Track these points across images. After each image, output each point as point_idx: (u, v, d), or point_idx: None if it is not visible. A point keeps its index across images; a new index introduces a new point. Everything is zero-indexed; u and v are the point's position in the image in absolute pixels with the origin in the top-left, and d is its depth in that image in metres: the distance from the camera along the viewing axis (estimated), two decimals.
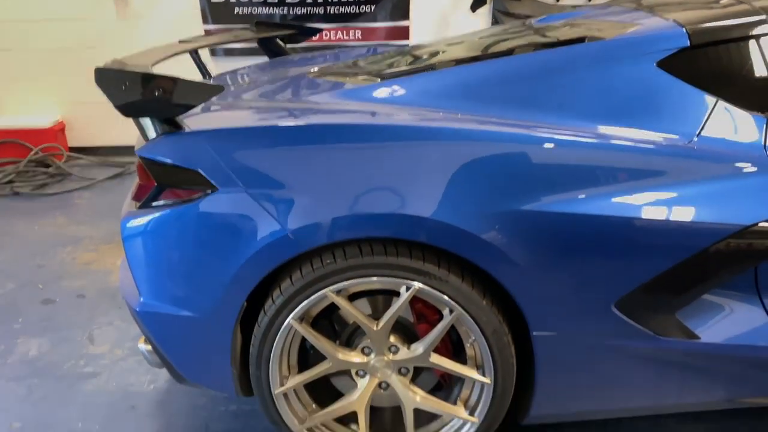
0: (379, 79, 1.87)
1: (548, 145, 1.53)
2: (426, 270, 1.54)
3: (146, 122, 1.60)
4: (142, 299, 1.66)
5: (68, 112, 5.10)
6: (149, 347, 1.78)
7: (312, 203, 1.50)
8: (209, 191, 1.54)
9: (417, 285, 1.55)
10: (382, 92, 1.77)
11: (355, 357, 1.68)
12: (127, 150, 5.12)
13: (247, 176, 1.53)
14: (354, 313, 1.60)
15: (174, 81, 1.48)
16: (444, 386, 1.82)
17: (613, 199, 1.50)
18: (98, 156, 5.02)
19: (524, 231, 1.49)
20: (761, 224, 1.51)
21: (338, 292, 1.58)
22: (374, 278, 1.56)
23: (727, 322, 1.61)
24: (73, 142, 5.13)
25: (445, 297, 1.55)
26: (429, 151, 1.51)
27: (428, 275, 1.54)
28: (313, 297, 1.57)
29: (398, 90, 1.76)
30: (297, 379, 1.69)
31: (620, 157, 1.53)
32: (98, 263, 3.28)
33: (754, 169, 1.54)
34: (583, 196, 1.50)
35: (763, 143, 1.58)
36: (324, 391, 1.82)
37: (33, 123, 4.88)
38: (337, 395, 1.78)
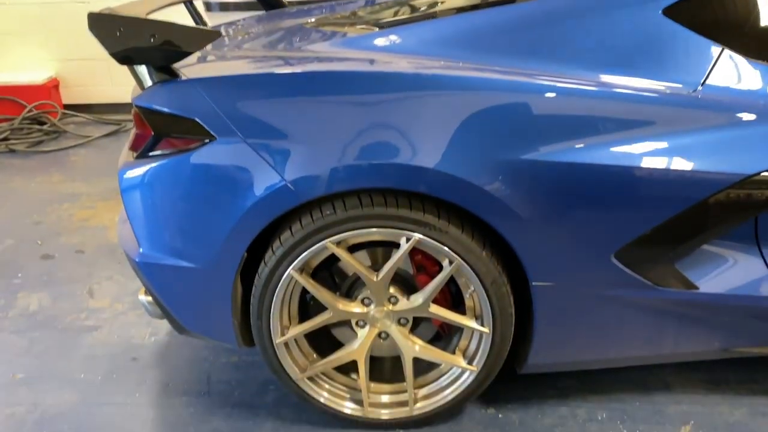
0: (378, 29, 1.83)
1: (550, 94, 1.50)
2: (426, 221, 1.53)
3: (142, 70, 1.57)
4: (141, 250, 1.66)
5: (62, 69, 5.02)
6: (149, 298, 1.79)
7: (312, 153, 1.49)
8: (207, 140, 1.52)
9: (417, 236, 1.54)
10: (382, 41, 1.73)
11: (355, 307, 1.69)
12: (123, 107, 5.07)
13: (245, 125, 1.51)
14: (354, 264, 1.60)
15: (170, 27, 1.45)
16: (443, 337, 1.84)
17: (615, 149, 1.49)
18: (93, 113, 4.96)
19: (524, 181, 1.49)
20: (763, 173, 1.50)
21: (338, 244, 1.58)
22: (374, 229, 1.55)
23: (725, 272, 1.62)
24: (67, 99, 5.06)
25: (445, 248, 1.55)
26: (430, 100, 1.49)
27: (428, 226, 1.54)
28: (313, 248, 1.57)
29: (398, 39, 1.72)
30: (298, 329, 1.70)
31: (623, 107, 1.51)
32: (96, 219, 3.28)
33: (759, 118, 1.52)
34: (584, 145, 1.49)
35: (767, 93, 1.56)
36: (324, 342, 1.83)
37: (26, 79, 4.80)
38: (337, 346, 1.79)
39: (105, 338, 2.28)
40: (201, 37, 1.52)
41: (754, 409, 1.84)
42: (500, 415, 1.84)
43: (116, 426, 1.85)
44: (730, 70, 1.58)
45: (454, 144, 1.47)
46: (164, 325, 2.34)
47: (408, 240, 1.56)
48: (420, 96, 1.50)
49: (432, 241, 1.55)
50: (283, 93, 1.53)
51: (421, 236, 1.54)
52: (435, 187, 1.49)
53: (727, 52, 1.58)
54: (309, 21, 2.20)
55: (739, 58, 1.58)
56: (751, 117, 1.53)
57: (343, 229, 1.55)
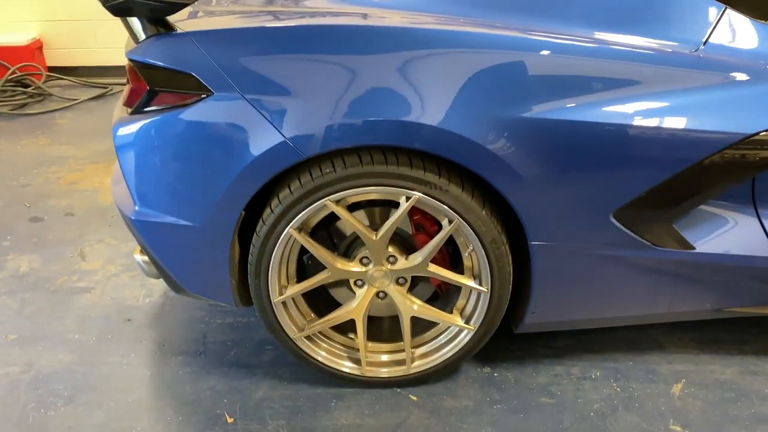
0: None
1: (550, 51, 1.49)
2: (426, 179, 1.52)
3: (136, 23, 1.53)
4: (137, 208, 1.64)
5: (46, 31, 4.89)
6: (145, 258, 1.77)
7: (312, 109, 1.46)
8: (204, 96, 1.49)
9: (417, 195, 1.53)
10: None
11: (353, 267, 1.69)
12: (109, 70, 4.96)
13: (244, 80, 1.48)
14: (353, 222, 1.59)
15: None
16: (440, 296, 1.85)
17: (615, 108, 1.48)
18: (78, 76, 4.85)
19: (525, 139, 1.48)
20: (762, 134, 1.50)
21: (337, 202, 1.57)
22: (374, 188, 1.54)
23: (721, 233, 1.63)
24: (51, 61, 4.94)
25: (445, 207, 1.55)
26: (431, 56, 1.47)
27: (428, 185, 1.53)
28: (312, 206, 1.56)
29: None
30: (296, 288, 1.69)
31: (624, 66, 1.50)
32: (85, 182, 3.23)
33: (759, 78, 1.52)
34: (585, 103, 1.48)
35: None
36: (322, 302, 1.83)
37: (8, 41, 4.68)
38: (334, 306, 1.79)
39: (98, 300, 2.26)
40: None
41: (745, 368, 1.87)
42: (496, 374, 1.86)
43: (112, 385, 1.85)
44: (731, 30, 1.57)
45: (454, 101, 1.45)
46: (158, 286, 2.33)
47: (408, 199, 1.55)
48: (422, 52, 1.47)
49: (432, 200, 1.54)
50: (283, 48, 1.50)
51: (421, 195, 1.53)
52: (436, 145, 1.47)
53: (729, 11, 1.57)
54: None
55: (741, 18, 1.57)
56: (752, 77, 1.52)
57: (343, 188, 1.54)
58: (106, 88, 4.69)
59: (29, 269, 2.46)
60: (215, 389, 1.83)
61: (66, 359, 1.96)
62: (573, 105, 1.47)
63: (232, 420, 1.71)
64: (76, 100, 4.46)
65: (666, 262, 1.64)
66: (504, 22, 1.56)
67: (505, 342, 1.94)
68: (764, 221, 1.63)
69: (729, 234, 1.63)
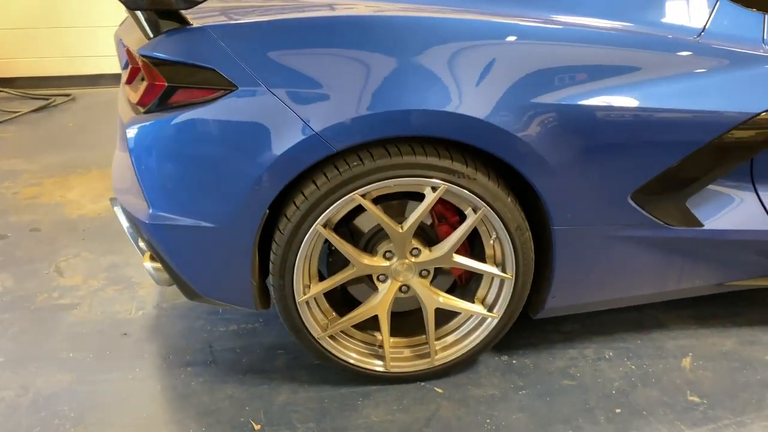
0: None
1: (573, 41, 1.53)
2: (454, 168, 1.53)
3: (148, 18, 1.47)
4: (151, 211, 1.56)
5: None
6: (157, 264, 1.69)
7: (342, 101, 1.44)
8: (228, 90, 1.44)
9: (445, 184, 1.54)
10: None
11: (379, 261, 1.67)
12: (51, 81, 4.73)
13: (269, 74, 1.45)
14: (380, 216, 1.58)
15: None
16: (458, 287, 1.85)
17: (631, 93, 1.54)
18: (18, 88, 4.59)
19: (550, 125, 1.51)
20: (762, 114, 1.60)
21: (362, 197, 1.55)
22: (403, 179, 1.53)
23: (727, 210, 1.72)
24: None
25: (473, 195, 1.56)
26: (458, 46, 1.48)
27: (456, 173, 1.54)
28: (340, 201, 1.53)
29: None
30: (320, 287, 1.66)
31: (637, 53, 1.56)
32: (46, 197, 3.06)
33: (758, 61, 1.62)
34: (606, 89, 1.53)
35: (762, 37, 1.66)
36: (335, 302, 1.81)
37: None
38: (352, 304, 1.77)
39: (87, 315, 2.14)
40: None
41: (742, 339, 1.98)
42: (514, 361, 1.89)
43: (121, 402, 1.75)
44: (726, 18, 1.66)
45: (483, 89, 1.47)
46: (150, 298, 2.23)
47: (434, 189, 1.55)
48: (448, 42, 1.48)
49: (460, 189, 1.55)
50: (308, 40, 1.47)
51: (449, 185, 1.54)
52: (467, 134, 1.49)
53: (723, 1, 1.67)
54: None
55: (733, 6, 1.67)
56: (749, 61, 1.62)
57: (372, 180, 1.52)
58: (48, 99, 4.46)
59: (2, 289, 2.30)
60: (234, 397, 1.76)
61: (65, 379, 1.84)
62: (592, 90, 1.52)
63: (258, 427, 1.66)
64: (17, 112, 4.22)
65: (677, 240, 1.72)
66: (524, 13, 1.59)
67: (516, 331, 1.97)
68: (762, 198, 1.73)
69: (734, 211, 1.73)
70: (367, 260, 1.66)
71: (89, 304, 2.20)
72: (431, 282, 1.75)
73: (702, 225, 1.70)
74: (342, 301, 1.83)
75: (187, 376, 1.85)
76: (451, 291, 1.84)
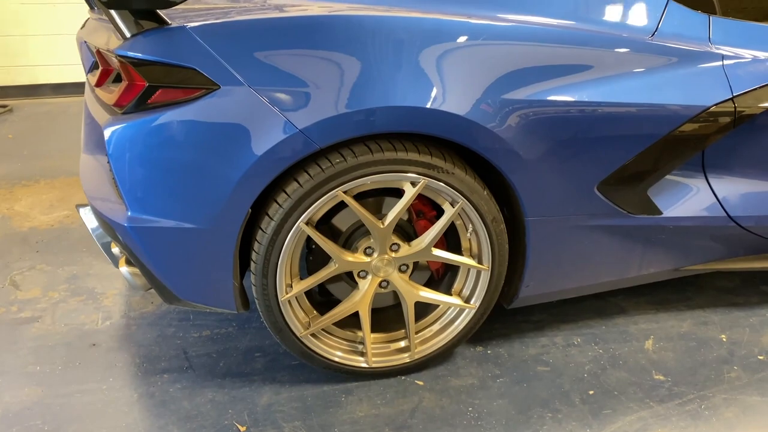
0: None
1: (543, 40, 1.61)
2: (434, 163, 1.58)
3: (123, 17, 1.45)
4: (130, 213, 1.54)
5: None
6: (134, 269, 1.66)
7: (324, 99, 1.47)
8: (210, 89, 1.44)
9: (425, 179, 1.59)
10: None
11: (360, 258, 1.70)
12: (6, 90, 4.53)
13: (250, 72, 1.45)
14: (363, 212, 1.61)
15: None
16: (434, 281, 1.90)
17: (595, 89, 1.63)
18: None
19: (524, 119, 1.58)
20: (713, 107, 1.72)
21: (344, 193, 1.58)
22: (383, 175, 1.57)
23: (683, 198, 1.84)
24: None
25: (452, 189, 1.61)
26: (435, 44, 1.54)
27: (436, 168, 1.59)
28: (323, 198, 1.55)
29: None
30: (302, 285, 1.67)
31: (604, 52, 1.66)
32: None
33: (706, 58, 1.74)
34: (571, 84, 1.61)
35: (708, 36, 1.79)
36: (317, 301, 1.82)
37: None
38: (330, 305, 1.79)
39: (51, 328, 2.06)
40: None
41: (696, 320, 2.11)
42: (489, 352, 1.95)
43: (100, 411, 1.70)
44: (676, 19, 1.79)
45: (461, 87, 1.53)
46: (116, 307, 2.17)
47: (414, 184, 1.60)
48: (429, 41, 1.53)
49: (438, 184, 1.60)
50: (290, 39, 1.48)
51: (428, 179, 1.59)
52: (446, 130, 1.54)
53: (671, 2, 1.79)
54: None
55: (681, 8, 1.80)
56: (700, 58, 1.74)
57: (354, 177, 1.55)
58: (5, 107, 4.25)
59: None
60: (215, 401, 1.74)
61: (35, 393, 1.77)
62: (560, 87, 1.60)
63: (244, 428, 1.65)
64: None
65: (639, 228, 1.82)
66: (495, 12, 1.66)
67: (488, 323, 2.03)
68: (713, 186, 1.86)
69: (690, 199, 1.85)
70: (348, 257, 1.68)
71: (52, 317, 2.12)
72: (410, 276, 1.79)
73: (661, 213, 1.81)
74: (321, 299, 1.84)
75: (164, 383, 1.81)
76: (427, 285, 1.88)
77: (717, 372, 1.86)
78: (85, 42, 1.97)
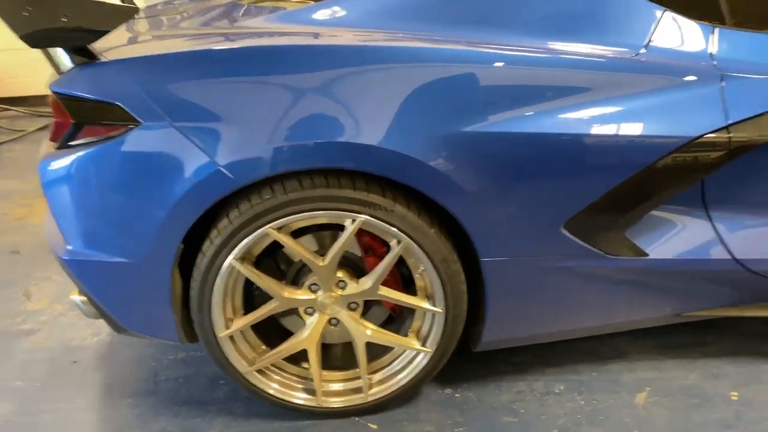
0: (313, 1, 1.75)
1: (492, 63, 1.46)
2: (371, 200, 1.47)
3: (58, 53, 1.46)
4: (69, 247, 1.55)
5: None
6: (83, 298, 1.69)
7: (246, 135, 1.41)
8: (131, 126, 1.42)
9: (362, 217, 1.48)
10: (321, 13, 1.64)
11: (302, 294, 1.62)
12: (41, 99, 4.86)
13: (173, 108, 1.41)
14: (297, 249, 1.53)
15: (83, 3, 1.34)
16: (395, 319, 1.79)
17: (560, 117, 1.46)
18: (27, 106, 4.72)
19: (470, 153, 1.44)
20: (707, 136, 1.48)
21: (280, 229, 1.51)
22: (317, 212, 1.48)
23: (674, 238, 1.61)
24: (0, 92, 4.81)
25: (392, 228, 1.50)
26: (369, 73, 1.43)
27: (373, 206, 1.48)
28: (253, 235, 1.49)
29: (339, 11, 1.63)
30: (242, 321, 1.62)
31: (567, 74, 1.48)
32: (32, 217, 3.12)
33: (701, 79, 1.51)
34: (529, 114, 1.45)
35: (709, 52, 1.54)
36: (272, 332, 1.76)
37: None
38: (287, 335, 1.73)
39: (44, 342, 2.15)
40: (117, 15, 1.41)
41: (707, 371, 1.85)
42: (457, 395, 1.81)
43: None
44: (672, 32, 1.56)
45: (397, 119, 1.41)
46: (106, 324, 2.23)
47: (354, 221, 1.50)
48: (357, 69, 1.43)
49: (378, 221, 1.49)
50: (214, 71, 1.43)
51: (366, 217, 1.48)
52: (379, 166, 1.43)
53: (669, 13, 1.56)
54: None
55: (681, 19, 1.56)
56: (694, 78, 1.51)
57: (285, 213, 1.48)
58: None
59: None
60: (166, 430, 1.74)
61: (8, 409, 1.84)
62: (517, 117, 1.44)
63: None
64: (23, 131, 4.33)
65: (620, 270, 1.61)
66: (447, 36, 1.52)
67: (465, 361, 1.89)
68: (715, 223, 1.62)
69: (681, 238, 1.61)
70: (289, 293, 1.61)
71: (48, 330, 2.22)
72: (363, 314, 1.69)
73: (646, 254, 1.59)
74: (276, 332, 1.78)
75: (126, 408, 1.83)
76: (387, 324, 1.77)
77: None
78: None
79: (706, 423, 1.66)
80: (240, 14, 1.89)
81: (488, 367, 1.90)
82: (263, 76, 1.43)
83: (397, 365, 1.73)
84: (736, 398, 1.74)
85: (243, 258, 1.54)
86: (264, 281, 1.58)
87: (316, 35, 1.54)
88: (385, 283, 1.63)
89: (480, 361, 1.92)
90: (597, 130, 1.46)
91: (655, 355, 1.93)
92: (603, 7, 1.57)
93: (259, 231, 1.49)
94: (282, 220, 1.49)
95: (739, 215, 1.62)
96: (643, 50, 1.53)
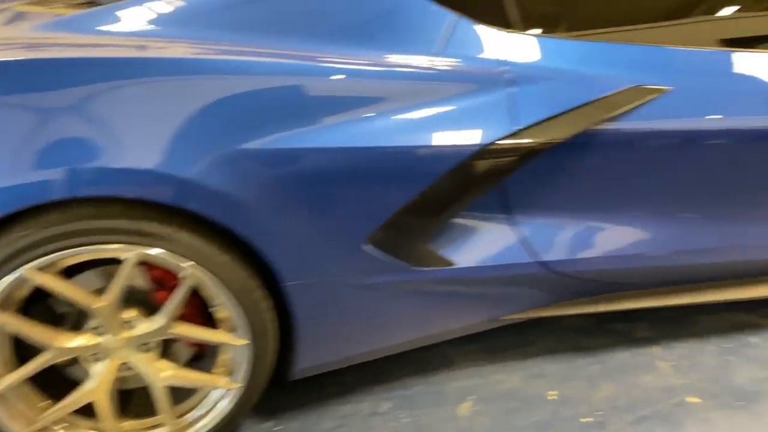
0: (86, 8, 1.55)
1: (274, 74, 1.35)
2: (147, 230, 1.31)
3: None
4: None
5: None
6: None
7: None
8: None
9: (138, 250, 1.32)
10: (100, 21, 1.45)
11: (81, 340, 1.42)
12: None
13: None
14: (63, 291, 1.34)
15: None
16: (206, 354, 1.63)
17: (352, 129, 1.38)
18: None
19: (255, 172, 1.33)
20: (498, 142, 1.47)
21: (42, 269, 1.30)
22: (85, 247, 1.30)
23: (480, 245, 1.59)
24: None
25: (178, 258, 1.34)
26: (130, 87, 1.26)
27: (150, 236, 1.32)
28: (5, 279, 1.28)
29: (121, 17, 1.44)
30: (10, 379, 1.39)
31: (358, 83, 1.41)
32: None
33: (493, 85, 1.49)
34: (319, 127, 1.36)
35: (502, 59, 1.53)
36: (61, 383, 1.54)
37: None
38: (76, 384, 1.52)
39: None
40: None
41: (528, 372, 1.87)
42: (280, 427, 1.69)
43: None
44: (466, 39, 1.53)
45: (169, 139, 1.26)
46: None
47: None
48: (117, 82, 1.26)
49: (162, 252, 1.33)
50: None
51: (143, 249, 1.32)
52: (151, 191, 1.27)
53: (464, 20, 1.54)
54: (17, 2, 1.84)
55: (476, 26, 1.55)
56: (486, 85, 1.49)
57: (43, 252, 1.28)
58: None
59: None
60: None
61: None
62: (301, 131, 1.35)
63: None
64: None
65: (429, 282, 1.57)
66: (231, 44, 1.39)
67: (289, 388, 1.78)
68: (519, 228, 1.62)
69: (487, 245, 1.60)
70: (62, 342, 1.40)
71: None
72: (166, 353, 1.52)
73: (452, 264, 1.56)
74: (67, 381, 1.56)
75: None
76: (199, 359, 1.61)
77: None
78: None
79: (524, 427, 1.66)
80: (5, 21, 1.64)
81: (313, 393, 1.80)
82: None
83: (205, 406, 1.57)
84: (554, 397, 1.76)
85: (1, 306, 1.32)
86: (30, 330, 1.36)
87: (87, 46, 1.35)
88: (188, 318, 1.48)
89: (305, 386, 1.81)
90: (390, 141, 1.40)
91: (480, 361, 1.92)
92: (396, 15, 1.52)
93: (13, 275, 1.28)
94: (41, 259, 1.29)
95: (541, 218, 1.63)
96: (437, 58, 1.49)
